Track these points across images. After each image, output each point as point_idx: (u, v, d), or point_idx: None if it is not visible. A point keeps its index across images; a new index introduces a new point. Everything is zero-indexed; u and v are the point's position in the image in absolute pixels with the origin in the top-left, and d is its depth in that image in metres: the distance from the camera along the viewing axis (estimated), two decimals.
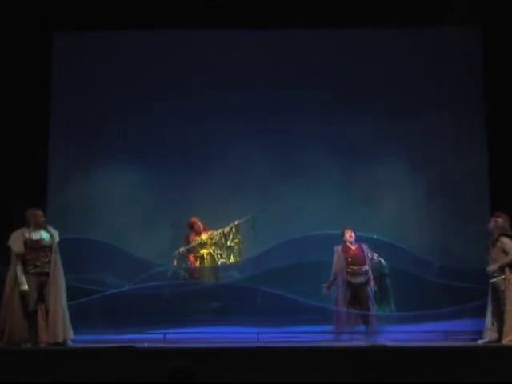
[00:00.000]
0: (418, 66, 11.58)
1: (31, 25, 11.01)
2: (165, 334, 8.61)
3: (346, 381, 6.43)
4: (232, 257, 10.71)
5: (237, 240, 10.75)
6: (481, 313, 8.58)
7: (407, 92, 11.71)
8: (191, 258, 10.75)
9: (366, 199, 11.42)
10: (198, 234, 10.79)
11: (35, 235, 7.92)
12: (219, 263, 10.68)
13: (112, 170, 11.66)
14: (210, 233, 10.77)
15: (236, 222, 10.75)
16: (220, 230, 10.77)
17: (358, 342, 8.36)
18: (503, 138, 11.18)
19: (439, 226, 11.43)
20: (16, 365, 6.82)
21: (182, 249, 10.73)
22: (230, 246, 10.74)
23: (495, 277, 8.11)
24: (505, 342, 7.82)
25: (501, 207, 10.20)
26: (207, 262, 10.69)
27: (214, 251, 10.72)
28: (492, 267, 8.12)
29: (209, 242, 10.73)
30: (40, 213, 8.13)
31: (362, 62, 11.55)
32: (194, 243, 10.73)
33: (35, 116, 11.26)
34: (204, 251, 10.72)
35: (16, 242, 7.84)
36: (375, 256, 9.97)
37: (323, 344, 8.22)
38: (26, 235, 7.86)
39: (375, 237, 10.37)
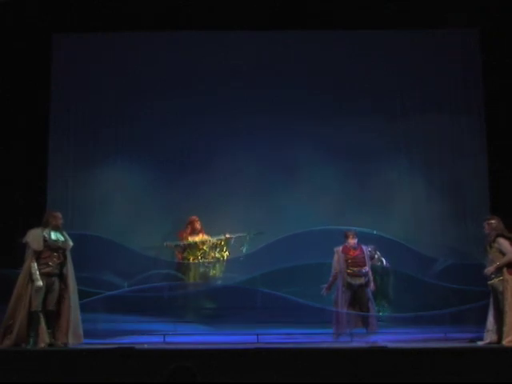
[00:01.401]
0: (418, 66, 11.60)
1: (31, 26, 11.03)
2: (164, 335, 8.59)
3: (345, 382, 6.43)
4: (216, 269, 10.68)
5: (224, 253, 10.68)
6: (481, 314, 8.58)
7: (407, 92, 11.74)
8: (179, 255, 10.72)
9: (366, 200, 11.43)
10: (194, 233, 10.77)
11: (55, 236, 7.98)
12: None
13: (112, 170, 11.67)
14: (203, 237, 10.73)
15: (227, 236, 10.70)
16: (213, 240, 10.71)
17: (358, 343, 8.35)
18: (503, 138, 11.19)
19: (439, 226, 11.43)
20: (16, 365, 6.81)
21: (168, 243, 10.73)
22: (217, 258, 10.68)
23: (492, 278, 8.09)
24: (505, 342, 7.80)
25: (500, 207, 10.25)
26: (193, 269, 10.67)
27: (200, 258, 10.66)
28: (489, 269, 8.10)
29: (200, 246, 10.68)
30: (60, 215, 8.17)
31: (363, 63, 11.56)
32: (184, 242, 10.70)
33: (35, 116, 11.27)
34: (191, 257, 10.66)
35: (36, 239, 7.88)
36: (377, 255, 9.97)
37: (323, 345, 8.21)
38: (46, 234, 7.91)
39: (375, 232, 10.36)
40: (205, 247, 10.66)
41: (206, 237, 10.72)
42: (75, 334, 7.84)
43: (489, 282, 8.16)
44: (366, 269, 9.13)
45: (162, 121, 11.56)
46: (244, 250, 10.65)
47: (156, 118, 11.56)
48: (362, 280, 9.10)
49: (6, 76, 10.97)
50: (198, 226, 10.76)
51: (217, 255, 10.62)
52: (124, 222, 11.32)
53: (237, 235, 10.71)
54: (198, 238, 10.71)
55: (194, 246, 10.68)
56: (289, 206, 11.35)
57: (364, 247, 9.31)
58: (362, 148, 11.53)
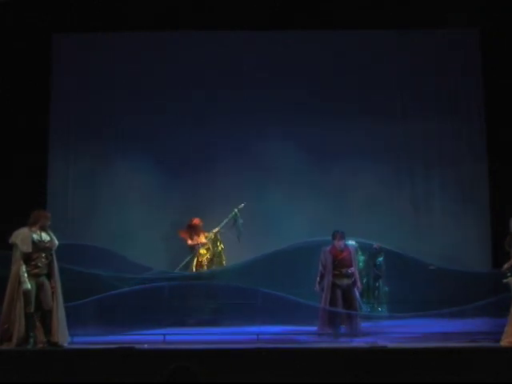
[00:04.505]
0: (418, 66, 11.60)
1: (31, 26, 11.03)
2: (164, 335, 8.58)
3: (345, 381, 6.43)
4: (217, 263, 10.77)
5: (220, 247, 10.76)
6: (479, 314, 8.58)
7: (407, 93, 11.73)
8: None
9: (365, 200, 11.42)
10: (196, 234, 10.81)
11: (43, 236, 7.89)
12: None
13: (112, 170, 11.67)
14: (206, 235, 10.81)
15: (215, 230, 10.77)
16: (210, 234, 10.79)
17: (358, 343, 8.34)
18: (503, 137, 11.19)
19: (439, 226, 11.42)
20: (16, 365, 6.81)
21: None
22: (218, 252, 10.77)
23: (508, 277, 8.04)
24: (503, 343, 7.73)
25: (501, 207, 10.25)
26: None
27: (209, 255, 10.74)
28: (505, 266, 8.06)
29: (205, 244, 10.76)
30: (49, 215, 8.09)
31: (363, 63, 11.55)
32: (197, 246, 10.78)
33: (35, 117, 11.27)
34: (204, 252, 10.77)
35: (24, 241, 7.75)
36: (380, 254, 10.03)
37: (323, 345, 8.21)
38: (35, 235, 7.82)
39: (374, 245, 10.32)
40: (207, 246, 10.74)
41: (207, 234, 10.78)
42: (63, 333, 7.80)
43: (504, 280, 8.12)
44: (352, 269, 9.14)
45: (162, 121, 11.56)
46: (238, 225, 10.72)
47: (156, 118, 11.56)
48: (349, 280, 9.12)
49: (6, 76, 10.97)
50: (201, 229, 10.82)
51: (216, 249, 10.71)
52: (124, 222, 11.32)
53: (222, 225, 10.78)
54: (202, 239, 10.76)
55: (203, 245, 10.76)
56: (290, 205, 11.35)
57: (351, 249, 9.30)
58: (362, 148, 11.53)
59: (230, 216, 10.80)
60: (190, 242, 10.79)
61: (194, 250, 10.76)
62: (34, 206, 10.03)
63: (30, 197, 10.73)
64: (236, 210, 10.79)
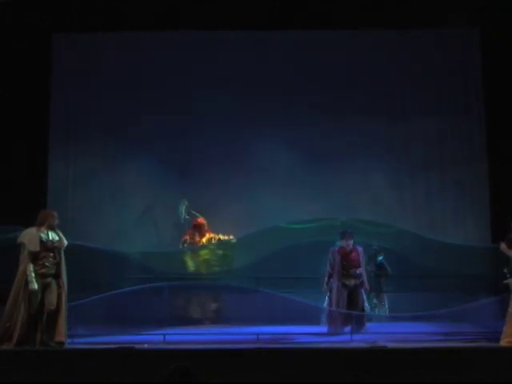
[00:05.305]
0: (418, 66, 11.60)
1: (31, 26, 11.04)
2: (164, 335, 8.58)
3: (345, 381, 6.43)
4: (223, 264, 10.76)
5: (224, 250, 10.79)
6: (479, 314, 8.58)
7: (407, 93, 11.73)
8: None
9: (365, 200, 11.42)
10: (201, 235, 10.79)
11: (50, 235, 7.88)
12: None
13: (112, 170, 11.67)
14: (210, 236, 10.78)
15: (232, 238, 10.78)
16: (218, 236, 10.78)
17: (358, 343, 8.34)
18: (503, 137, 11.20)
19: (439, 226, 11.42)
20: (16, 365, 6.81)
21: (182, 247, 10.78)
22: (224, 255, 10.76)
23: (508, 278, 8.05)
24: (502, 343, 7.74)
25: (500, 207, 10.25)
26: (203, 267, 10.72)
27: (210, 257, 10.72)
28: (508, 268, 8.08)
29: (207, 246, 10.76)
30: (56, 214, 8.07)
31: (363, 63, 11.56)
32: (196, 243, 10.76)
33: (35, 116, 11.28)
34: (203, 253, 10.74)
35: (32, 240, 7.73)
36: (379, 254, 10.04)
37: (323, 345, 8.20)
38: (42, 235, 7.81)
39: (374, 246, 10.32)
40: (212, 246, 10.72)
41: (213, 234, 10.75)
42: (65, 333, 7.80)
43: (504, 281, 8.12)
44: (360, 270, 9.13)
45: (162, 121, 11.56)
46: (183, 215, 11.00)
47: (156, 118, 11.56)
48: (357, 281, 9.11)
49: (6, 76, 10.97)
50: (205, 228, 10.79)
51: (223, 252, 10.72)
52: (124, 222, 11.31)
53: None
54: (204, 239, 10.75)
55: (203, 247, 10.74)
56: (289, 205, 11.35)
57: (359, 249, 9.30)
58: (362, 148, 11.53)
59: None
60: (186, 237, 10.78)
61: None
62: (34, 206, 10.07)
63: (30, 197, 10.74)
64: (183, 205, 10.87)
